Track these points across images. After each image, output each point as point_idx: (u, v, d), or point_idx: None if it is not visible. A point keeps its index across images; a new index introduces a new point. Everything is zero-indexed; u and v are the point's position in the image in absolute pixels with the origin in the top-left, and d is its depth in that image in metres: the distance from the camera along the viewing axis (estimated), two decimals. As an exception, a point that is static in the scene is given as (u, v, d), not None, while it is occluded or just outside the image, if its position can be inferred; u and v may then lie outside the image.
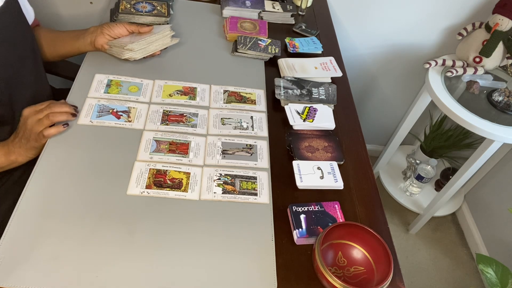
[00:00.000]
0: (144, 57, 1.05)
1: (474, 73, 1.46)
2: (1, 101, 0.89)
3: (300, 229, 0.78)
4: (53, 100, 0.90)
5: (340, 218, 0.82)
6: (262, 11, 1.31)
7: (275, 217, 0.82)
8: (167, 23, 1.20)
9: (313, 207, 0.83)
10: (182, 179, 0.84)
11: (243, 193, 0.84)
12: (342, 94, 1.13)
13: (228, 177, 0.86)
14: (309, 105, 1.03)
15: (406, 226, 1.94)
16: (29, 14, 1.02)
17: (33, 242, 0.70)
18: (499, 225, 1.73)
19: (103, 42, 1.03)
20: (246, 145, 0.94)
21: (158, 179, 0.83)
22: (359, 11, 1.56)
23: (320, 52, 1.24)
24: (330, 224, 0.79)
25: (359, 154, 0.99)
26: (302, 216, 0.80)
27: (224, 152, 0.91)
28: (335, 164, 0.93)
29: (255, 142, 0.95)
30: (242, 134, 0.96)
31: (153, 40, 1.05)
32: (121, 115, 0.94)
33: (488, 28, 1.39)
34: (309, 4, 1.42)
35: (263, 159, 0.92)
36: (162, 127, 0.93)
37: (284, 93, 1.05)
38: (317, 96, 1.07)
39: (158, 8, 1.19)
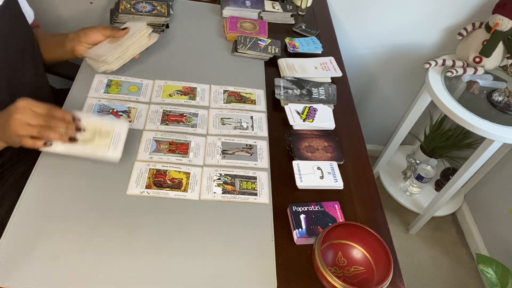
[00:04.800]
0: (123, 64, 1.01)
1: (474, 73, 1.46)
2: (3, 101, 0.88)
3: (300, 229, 0.78)
4: (54, 107, 0.78)
5: (340, 218, 0.82)
6: (262, 11, 1.31)
7: (275, 217, 0.82)
8: (166, 23, 1.20)
9: (313, 207, 0.83)
10: (182, 179, 0.84)
11: (243, 193, 0.84)
12: (342, 94, 1.13)
13: (228, 177, 0.86)
14: (309, 105, 1.03)
15: (406, 226, 1.94)
16: (29, 15, 1.02)
17: (33, 242, 0.70)
18: (499, 225, 1.73)
19: (82, 51, 0.99)
20: (246, 145, 0.94)
21: (158, 179, 0.83)
22: (359, 11, 1.56)
23: (320, 52, 1.24)
24: (330, 224, 0.79)
25: (359, 154, 0.99)
26: (302, 216, 0.80)
27: (224, 152, 0.91)
28: (335, 164, 0.93)
29: (255, 142, 0.95)
30: (242, 134, 0.96)
31: (128, 45, 1.00)
32: (121, 115, 0.94)
33: (488, 28, 1.39)
34: (309, 4, 1.42)
35: (263, 159, 0.92)
36: (162, 127, 0.93)
37: (284, 93, 1.05)
38: (317, 96, 1.07)
39: (158, 8, 1.19)
